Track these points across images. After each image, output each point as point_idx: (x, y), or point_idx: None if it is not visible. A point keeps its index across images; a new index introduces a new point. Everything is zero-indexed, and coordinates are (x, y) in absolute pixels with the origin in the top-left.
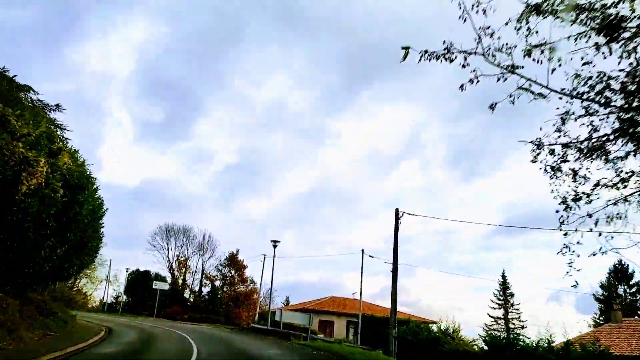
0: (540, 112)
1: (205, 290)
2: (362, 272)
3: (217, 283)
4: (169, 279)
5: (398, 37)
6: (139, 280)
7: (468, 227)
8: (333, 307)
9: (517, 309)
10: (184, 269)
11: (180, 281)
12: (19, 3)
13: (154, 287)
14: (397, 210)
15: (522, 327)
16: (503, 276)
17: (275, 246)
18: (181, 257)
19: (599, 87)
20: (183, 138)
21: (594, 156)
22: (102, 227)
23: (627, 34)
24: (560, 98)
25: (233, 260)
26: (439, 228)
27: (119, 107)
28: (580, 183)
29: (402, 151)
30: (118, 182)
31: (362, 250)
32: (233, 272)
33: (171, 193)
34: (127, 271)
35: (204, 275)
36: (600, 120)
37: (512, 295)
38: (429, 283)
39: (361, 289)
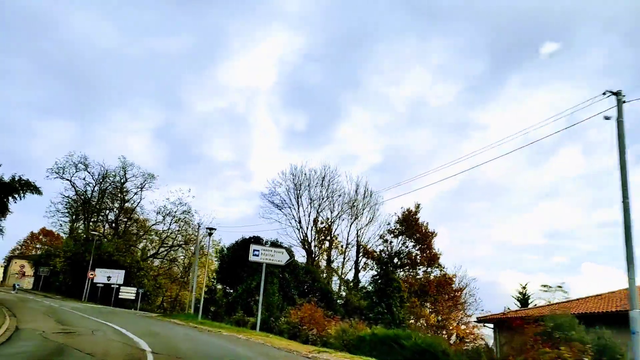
0: None
1: (366, 276)
2: None
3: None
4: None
5: (547, 13)
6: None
7: None
8: None
9: None
10: (326, 242)
11: (322, 263)
12: (171, 32)
13: (271, 260)
14: None
15: None
16: None
17: None
18: (321, 222)
19: None
20: (326, 142)
21: None
22: None
23: None
24: None
25: (409, 223)
26: (606, 219)
27: (264, 118)
28: None
29: (559, 137)
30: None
31: None
32: (411, 244)
33: None
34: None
35: (361, 252)
36: None
37: None
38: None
39: None
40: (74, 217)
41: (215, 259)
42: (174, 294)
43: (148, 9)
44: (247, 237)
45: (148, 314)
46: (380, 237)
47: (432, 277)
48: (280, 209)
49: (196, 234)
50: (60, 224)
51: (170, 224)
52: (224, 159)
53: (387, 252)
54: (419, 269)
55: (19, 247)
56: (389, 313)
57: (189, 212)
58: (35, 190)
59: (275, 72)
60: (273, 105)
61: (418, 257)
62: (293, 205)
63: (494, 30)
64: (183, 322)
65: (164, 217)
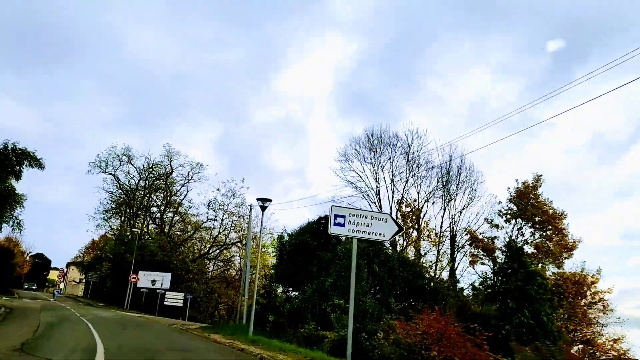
0: None
1: (469, 273)
2: None
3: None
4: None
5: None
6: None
7: None
8: None
9: None
10: (414, 230)
11: (410, 248)
12: (228, 46)
13: (366, 233)
14: None
15: None
16: None
17: None
18: (406, 204)
19: None
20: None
21: None
22: None
23: None
24: None
25: (526, 202)
26: None
27: (322, 125)
28: None
29: (632, 132)
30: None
31: None
32: (529, 230)
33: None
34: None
35: (461, 240)
36: None
37: None
38: None
39: None
40: (118, 214)
41: (272, 251)
42: (230, 300)
43: (206, 25)
44: (316, 218)
45: (190, 326)
46: (487, 222)
47: (567, 273)
48: (355, 187)
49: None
50: (110, 226)
51: (222, 219)
52: (283, 167)
53: (503, 240)
54: (547, 262)
55: (80, 255)
56: (537, 324)
57: (243, 205)
58: (36, 162)
59: (332, 79)
60: (330, 112)
61: (548, 245)
62: (370, 186)
63: (557, 24)
64: (227, 340)
65: (215, 211)
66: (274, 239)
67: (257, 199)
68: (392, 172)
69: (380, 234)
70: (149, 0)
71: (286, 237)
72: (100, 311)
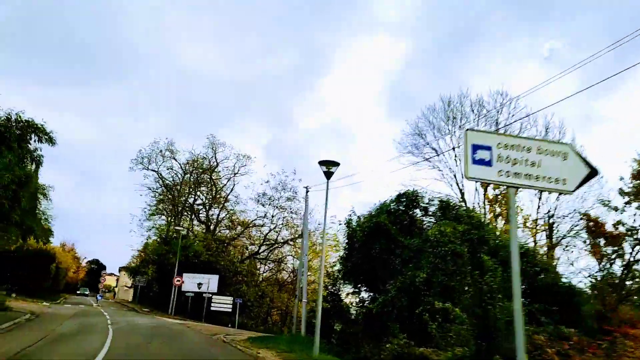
0: None
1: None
2: None
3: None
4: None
5: None
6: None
7: None
8: None
9: None
10: (502, 217)
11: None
12: (274, 53)
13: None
14: None
15: None
16: None
17: None
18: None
19: None
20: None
21: None
22: None
23: None
24: None
25: None
26: None
27: (370, 128)
28: None
29: None
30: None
31: None
32: None
33: None
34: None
35: (574, 226)
36: None
37: None
38: None
39: None
40: (161, 213)
41: (334, 244)
42: (284, 304)
43: (252, 34)
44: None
45: (236, 336)
46: (603, 204)
47: None
48: (428, 160)
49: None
50: (154, 225)
51: (272, 215)
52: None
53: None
54: None
55: (133, 260)
56: None
57: (296, 198)
58: (45, 136)
59: (379, 82)
60: (378, 115)
61: None
62: (448, 165)
63: (614, 15)
64: (280, 358)
65: (264, 205)
66: (335, 233)
67: (320, 163)
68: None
69: (557, 180)
70: (199, 15)
71: (357, 222)
72: (138, 317)
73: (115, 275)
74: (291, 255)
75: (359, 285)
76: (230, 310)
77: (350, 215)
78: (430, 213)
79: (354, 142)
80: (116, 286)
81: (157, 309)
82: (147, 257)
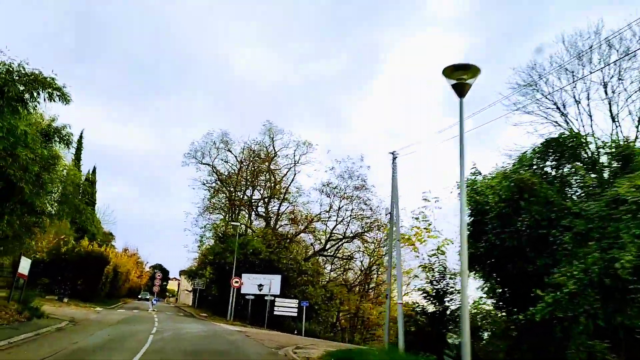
0: None
1: None
2: None
3: None
4: None
5: None
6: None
7: None
8: None
9: None
10: None
11: None
12: (328, 55)
13: None
14: None
15: None
16: None
17: None
18: None
19: None
20: (496, 147)
21: None
22: None
23: None
24: None
25: None
26: None
27: (425, 128)
28: None
29: None
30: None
31: None
32: None
33: None
34: None
35: None
36: None
37: None
38: None
39: None
40: (217, 209)
41: (423, 223)
42: (352, 307)
43: (305, 38)
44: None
45: (309, 349)
46: None
47: None
48: (553, 122)
49: (379, 216)
50: (210, 224)
51: (339, 206)
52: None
53: None
54: None
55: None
56: None
57: (365, 187)
58: (57, 91)
59: (435, 80)
60: (436, 114)
61: None
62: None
63: None
64: None
65: (329, 196)
66: (422, 212)
67: (446, 72)
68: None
69: None
70: (252, 22)
71: (479, 185)
72: (191, 324)
73: (177, 279)
74: (362, 252)
75: (493, 277)
76: (295, 314)
77: (473, 174)
78: (597, 167)
79: (409, 142)
80: (178, 290)
81: (216, 313)
82: (204, 258)
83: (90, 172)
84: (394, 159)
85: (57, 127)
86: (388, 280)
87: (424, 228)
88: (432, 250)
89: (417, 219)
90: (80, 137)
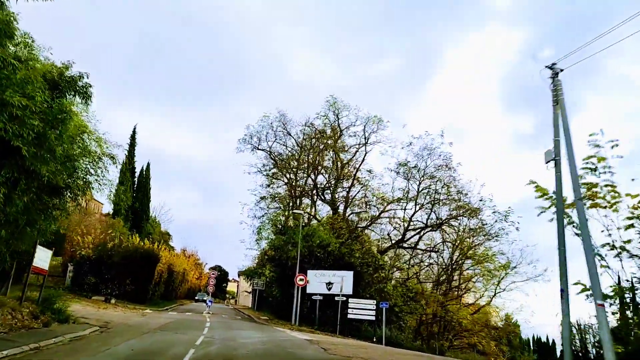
0: None
1: None
2: None
3: None
4: None
5: None
6: None
7: None
8: None
9: None
10: None
11: None
12: (382, 56)
13: None
14: None
15: None
16: None
17: None
18: None
19: None
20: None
21: None
22: None
23: None
24: None
25: None
26: None
27: (484, 125)
28: None
29: None
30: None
31: None
32: None
33: None
34: None
35: None
36: None
37: None
38: None
39: None
40: (276, 198)
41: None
42: (438, 308)
43: (360, 38)
44: None
45: None
46: None
47: None
48: None
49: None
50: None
51: (418, 190)
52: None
53: None
54: None
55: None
56: None
57: (447, 167)
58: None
59: (493, 76)
60: (493, 111)
61: None
62: None
63: None
64: None
65: (407, 178)
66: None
67: None
68: None
69: None
70: (306, 25)
71: None
72: (248, 331)
73: (236, 280)
74: (448, 242)
75: None
76: (373, 317)
77: None
78: None
79: (468, 139)
80: (237, 292)
81: (278, 316)
82: (263, 256)
83: (144, 167)
84: (555, 75)
85: (72, 76)
86: (561, 268)
87: (606, 185)
88: (629, 216)
89: (593, 169)
90: (133, 132)
